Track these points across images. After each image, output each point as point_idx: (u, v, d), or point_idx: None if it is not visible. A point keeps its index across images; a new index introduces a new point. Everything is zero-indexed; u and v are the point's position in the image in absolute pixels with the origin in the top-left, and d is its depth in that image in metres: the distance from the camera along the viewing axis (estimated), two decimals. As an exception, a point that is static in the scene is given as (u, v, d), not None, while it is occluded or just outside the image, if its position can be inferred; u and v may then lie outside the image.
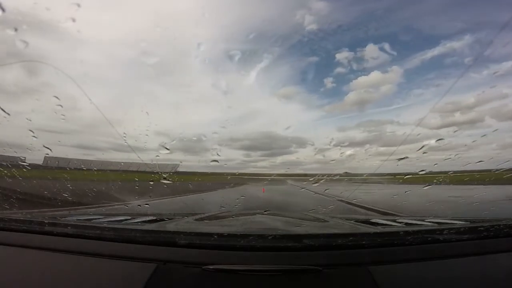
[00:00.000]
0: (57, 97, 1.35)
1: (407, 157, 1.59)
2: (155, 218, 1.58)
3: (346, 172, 1.73)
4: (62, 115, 1.43)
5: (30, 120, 1.44)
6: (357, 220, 1.59)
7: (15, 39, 1.30)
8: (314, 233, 1.07)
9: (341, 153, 1.69)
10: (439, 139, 1.50)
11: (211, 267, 0.91)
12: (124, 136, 1.62)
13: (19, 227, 1.16)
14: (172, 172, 1.89)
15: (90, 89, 1.32)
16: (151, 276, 0.92)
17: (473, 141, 1.53)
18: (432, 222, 1.47)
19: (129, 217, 1.59)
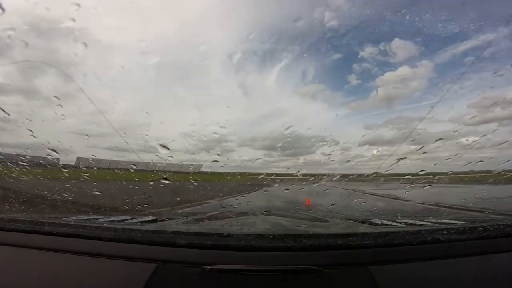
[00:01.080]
0: (91, 101, 1.36)
1: (449, 158, 1.54)
2: (155, 218, 1.58)
3: (376, 172, 1.69)
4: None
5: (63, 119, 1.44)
6: (357, 220, 1.59)
7: (51, 47, 1.33)
8: (314, 233, 1.07)
9: (368, 152, 1.67)
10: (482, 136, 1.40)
11: (211, 267, 0.91)
12: (146, 135, 1.65)
13: (19, 227, 1.16)
14: (196, 172, 1.91)
15: (119, 94, 1.34)
16: (151, 276, 0.92)
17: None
18: (432, 222, 1.47)
19: (129, 217, 1.59)
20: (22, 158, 1.59)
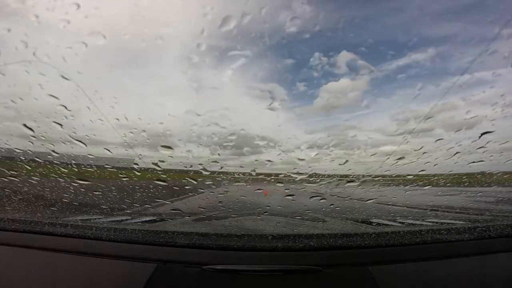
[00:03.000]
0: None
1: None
2: (155, 218, 1.58)
3: (315, 173, 1.74)
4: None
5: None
6: (357, 220, 1.59)
7: None
8: (314, 233, 1.07)
9: (308, 154, 1.72)
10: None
11: (211, 267, 0.91)
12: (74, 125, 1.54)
13: (19, 227, 1.16)
14: (129, 168, 1.81)
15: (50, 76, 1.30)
16: (151, 276, 0.92)
17: (421, 147, 1.61)
18: (432, 222, 1.47)
19: (129, 217, 1.59)
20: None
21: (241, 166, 1.66)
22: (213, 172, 1.64)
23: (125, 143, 1.61)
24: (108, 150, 1.57)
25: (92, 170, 1.71)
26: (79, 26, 1.37)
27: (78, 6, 1.29)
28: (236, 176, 1.69)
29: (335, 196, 1.83)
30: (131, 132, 1.58)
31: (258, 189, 1.73)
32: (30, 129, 1.38)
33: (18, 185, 1.68)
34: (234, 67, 1.72)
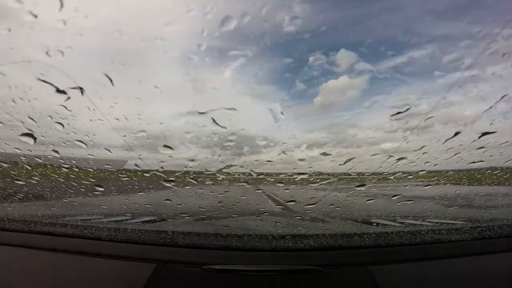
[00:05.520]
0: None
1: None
2: (155, 218, 1.58)
3: (319, 172, 1.73)
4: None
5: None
6: (357, 220, 1.59)
7: None
8: (314, 233, 1.07)
9: (308, 153, 1.71)
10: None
11: (211, 267, 0.91)
12: (74, 127, 1.54)
13: (19, 227, 1.16)
14: (122, 170, 1.80)
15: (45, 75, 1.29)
16: (151, 276, 0.92)
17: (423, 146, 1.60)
18: (432, 222, 1.47)
19: (129, 217, 1.59)
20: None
21: (241, 166, 1.66)
22: (214, 173, 1.64)
23: (125, 143, 1.61)
24: (109, 151, 1.57)
25: (92, 170, 1.71)
26: (79, 26, 1.37)
27: (78, 6, 1.29)
28: (236, 176, 1.68)
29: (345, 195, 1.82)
30: (132, 133, 1.58)
31: (258, 189, 1.73)
32: (30, 129, 1.38)
33: (18, 185, 1.67)
34: (233, 67, 1.70)
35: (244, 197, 1.83)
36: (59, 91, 1.31)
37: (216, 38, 1.56)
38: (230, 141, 1.64)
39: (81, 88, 1.31)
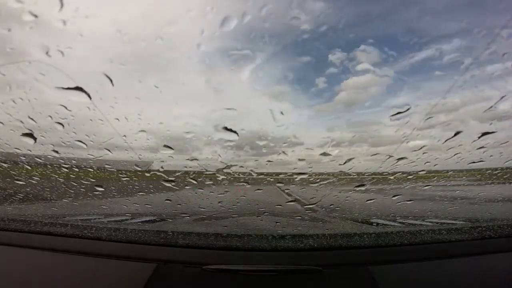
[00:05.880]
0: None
1: (405, 158, 1.59)
2: (155, 218, 1.58)
3: (341, 171, 1.71)
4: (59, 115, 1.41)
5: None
6: (357, 220, 1.59)
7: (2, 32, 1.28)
8: (314, 233, 1.07)
9: (330, 152, 1.68)
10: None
11: (211, 267, 0.91)
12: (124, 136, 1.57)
13: (19, 227, 1.16)
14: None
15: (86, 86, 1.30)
16: (151, 276, 0.92)
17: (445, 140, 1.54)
18: (432, 222, 1.47)
19: (129, 217, 1.59)
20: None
21: (241, 166, 1.65)
22: (213, 172, 1.64)
23: (125, 143, 1.61)
24: (109, 151, 1.57)
25: (92, 170, 1.71)
26: (79, 26, 1.37)
27: (78, 6, 1.28)
28: (236, 176, 1.68)
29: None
30: (132, 133, 1.58)
31: (258, 189, 1.73)
32: (30, 129, 1.38)
33: (18, 185, 1.68)
34: (249, 68, 1.69)
35: (244, 197, 1.83)
36: (59, 91, 1.31)
37: (230, 38, 1.55)
38: (246, 142, 1.63)
39: (81, 88, 1.31)
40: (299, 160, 1.66)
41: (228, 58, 1.64)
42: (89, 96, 1.29)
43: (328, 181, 1.74)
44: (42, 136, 1.42)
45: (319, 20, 1.68)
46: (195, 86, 1.95)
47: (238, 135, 1.45)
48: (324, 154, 1.63)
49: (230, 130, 1.43)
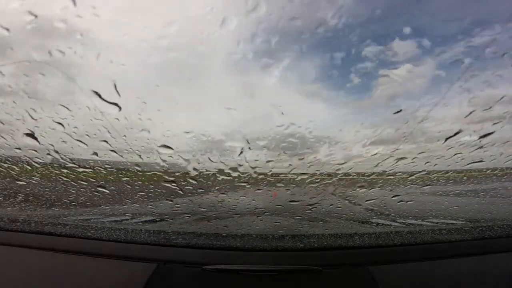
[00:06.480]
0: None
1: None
2: (155, 218, 1.58)
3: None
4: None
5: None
6: (357, 220, 1.59)
7: (50, 46, 1.29)
8: (314, 233, 1.07)
9: (369, 152, 1.63)
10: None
11: (211, 267, 0.91)
12: (147, 138, 1.57)
13: (19, 227, 1.16)
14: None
15: (118, 94, 1.32)
16: (151, 276, 0.92)
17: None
18: (432, 222, 1.47)
19: (129, 217, 1.59)
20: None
21: (240, 166, 1.65)
22: (214, 173, 1.63)
23: (125, 143, 1.60)
24: (115, 152, 1.57)
25: (92, 170, 1.71)
26: (79, 26, 1.37)
27: (75, 3, 1.28)
28: (237, 176, 1.68)
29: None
30: (132, 133, 1.58)
31: (258, 189, 1.73)
32: (30, 129, 1.38)
33: (19, 185, 1.68)
34: (282, 66, 1.66)
35: (244, 197, 1.83)
36: (59, 91, 1.31)
37: (262, 38, 1.53)
38: (282, 141, 1.61)
39: (81, 89, 1.31)
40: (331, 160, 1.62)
41: (257, 59, 1.62)
42: (119, 107, 1.31)
43: (328, 181, 1.74)
44: (42, 136, 1.42)
45: (349, 13, 1.62)
46: (225, 88, 1.94)
47: (269, 136, 1.44)
48: (363, 152, 1.58)
49: (260, 132, 1.42)
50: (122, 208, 1.75)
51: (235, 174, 1.56)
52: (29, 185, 1.68)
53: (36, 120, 1.39)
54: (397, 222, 1.53)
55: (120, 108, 1.34)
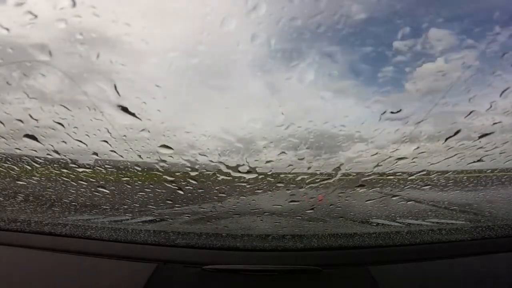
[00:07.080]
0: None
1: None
2: (155, 218, 1.58)
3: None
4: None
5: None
6: (357, 220, 1.59)
7: (87, 54, 1.30)
8: (314, 233, 1.07)
9: (406, 150, 1.58)
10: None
11: (211, 267, 0.91)
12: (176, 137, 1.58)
13: (19, 227, 1.16)
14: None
15: (154, 98, 1.33)
16: (151, 276, 0.92)
17: None
18: (432, 222, 1.47)
19: (129, 217, 1.59)
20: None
21: (240, 165, 1.64)
22: (214, 172, 1.63)
23: (125, 143, 1.60)
24: (115, 152, 1.57)
25: (92, 170, 1.71)
26: (79, 26, 1.37)
27: (74, 3, 1.28)
28: (237, 176, 1.67)
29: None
30: (132, 132, 1.58)
31: (258, 189, 1.72)
32: (30, 129, 1.38)
33: (19, 185, 1.68)
34: (308, 65, 1.63)
35: (244, 197, 1.83)
36: (59, 91, 1.31)
37: (287, 38, 1.50)
38: (311, 141, 1.59)
39: (81, 89, 1.31)
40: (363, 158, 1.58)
41: (283, 58, 1.59)
42: (86, 95, 1.30)
43: (327, 181, 1.74)
44: (42, 136, 1.42)
45: (375, 7, 1.57)
46: (252, 88, 1.91)
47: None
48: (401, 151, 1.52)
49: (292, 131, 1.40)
50: (122, 208, 1.75)
51: (235, 174, 1.56)
52: (29, 185, 1.68)
53: (36, 120, 1.38)
54: (397, 222, 1.53)
55: (120, 108, 1.34)
